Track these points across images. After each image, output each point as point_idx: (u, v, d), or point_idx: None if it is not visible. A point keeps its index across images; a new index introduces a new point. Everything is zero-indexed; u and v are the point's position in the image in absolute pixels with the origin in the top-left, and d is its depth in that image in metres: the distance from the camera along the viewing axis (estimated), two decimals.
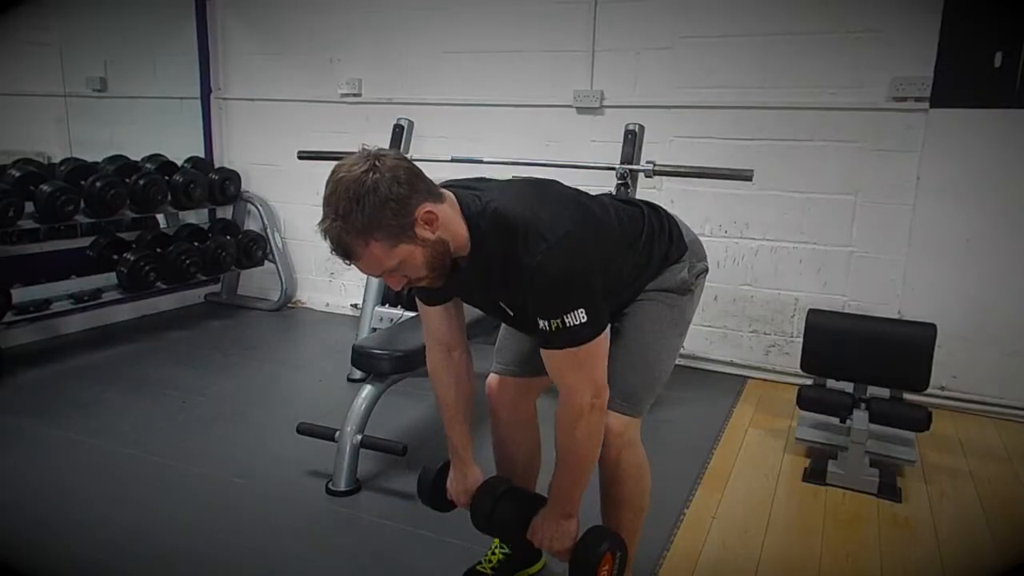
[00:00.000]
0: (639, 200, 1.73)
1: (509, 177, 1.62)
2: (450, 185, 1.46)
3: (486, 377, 1.79)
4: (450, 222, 1.36)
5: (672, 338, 1.63)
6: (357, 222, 1.25)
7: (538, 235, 1.33)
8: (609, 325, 1.45)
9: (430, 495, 1.76)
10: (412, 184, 1.29)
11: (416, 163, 1.36)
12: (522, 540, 1.60)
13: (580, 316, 1.33)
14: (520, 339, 1.72)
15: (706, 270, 1.70)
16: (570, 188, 1.53)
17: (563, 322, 1.33)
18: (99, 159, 3.89)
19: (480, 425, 2.85)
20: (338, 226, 1.26)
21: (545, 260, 1.32)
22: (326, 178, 1.30)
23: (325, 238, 1.29)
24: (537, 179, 1.58)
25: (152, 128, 4.42)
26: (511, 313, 1.52)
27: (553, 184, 1.54)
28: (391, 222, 1.27)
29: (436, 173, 1.46)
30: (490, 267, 1.40)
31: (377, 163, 1.27)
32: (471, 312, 2.88)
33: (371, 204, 1.24)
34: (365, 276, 3.49)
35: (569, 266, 1.33)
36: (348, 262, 1.32)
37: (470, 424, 1.72)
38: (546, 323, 1.35)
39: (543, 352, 1.41)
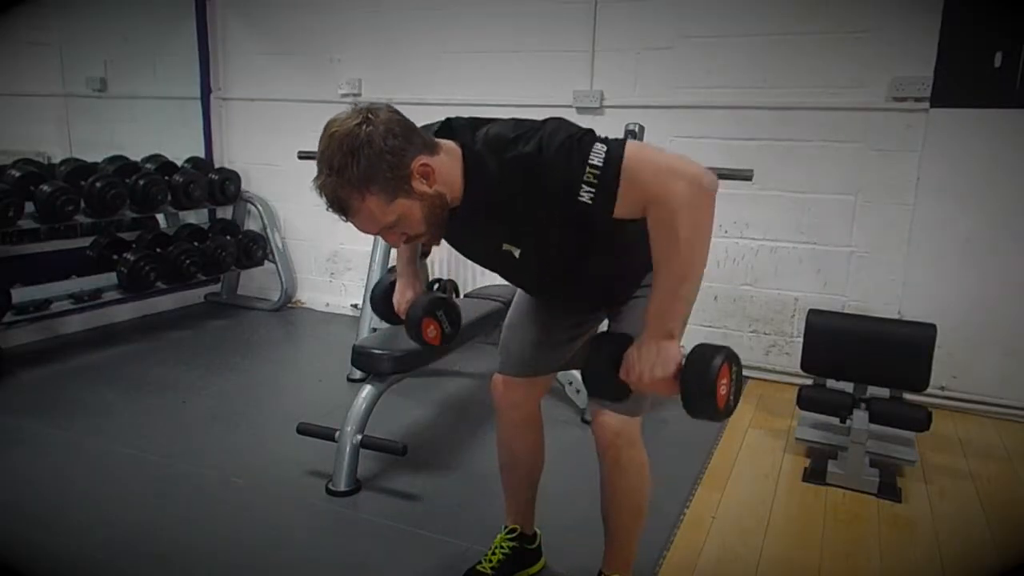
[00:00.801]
0: None
1: None
2: (445, 123, 1.42)
3: (485, 377, 1.79)
4: (447, 173, 1.32)
5: None
6: (352, 176, 1.23)
7: (529, 132, 1.29)
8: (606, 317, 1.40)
9: (380, 304, 1.86)
10: (407, 136, 1.27)
11: None
12: (616, 382, 1.36)
13: (600, 149, 1.23)
14: (525, 337, 1.72)
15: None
16: None
17: (593, 167, 1.22)
18: (99, 159, 3.89)
19: (480, 425, 2.85)
20: (333, 181, 1.24)
21: (541, 138, 1.26)
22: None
23: (320, 195, 1.27)
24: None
25: (152, 128, 4.43)
26: (516, 254, 1.44)
27: None
28: (387, 175, 1.24)
29: None
30: (491, 199, 1.34)
31: (370, 116, 1.25)
32: (472, 312, 2.89)
33: (366, 157, 1.22)
34: (365, 276, 3.50)
35: (563, 129, 1.28)
36: (344, 218, 1.29)
37: (416, 256, 1.78)
38: (585, 189, 1.23)
39: (617, 214, 1.26)
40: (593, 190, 1.23)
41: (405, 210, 1.29)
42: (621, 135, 2.87)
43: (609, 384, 1.38)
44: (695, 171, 1.23)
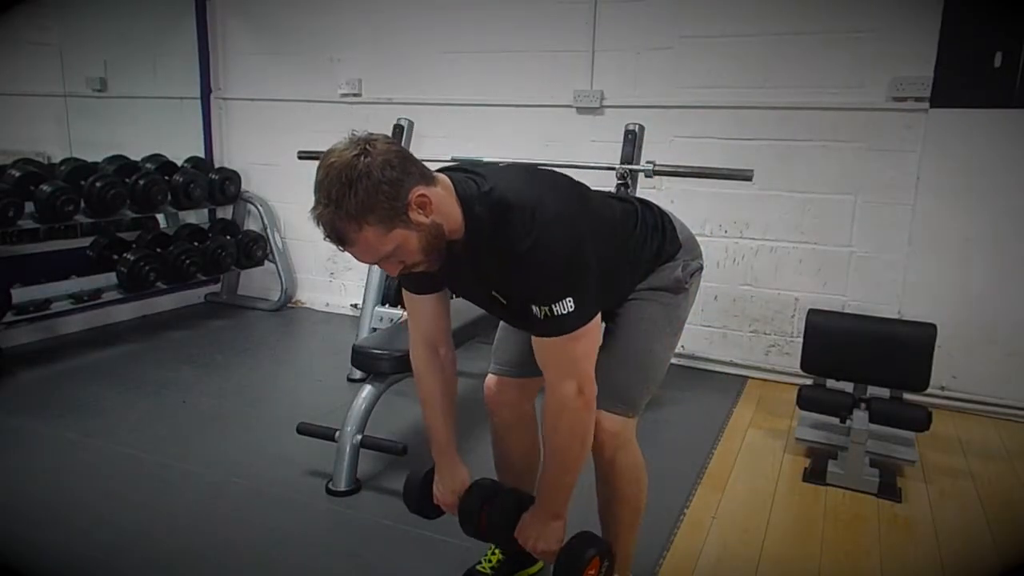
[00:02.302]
0: (632, 196, 1.72)
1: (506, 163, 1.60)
2: (445, 170, 1.44)
3: (484, 377, 1.79)
4: (443, 205, 1.34)
5: (666, 337, 1.62)
6: (350, 207, 1.23)
7: (532, 216, 1.31)
8: (601, 322, 1.43)
9: (417, 501, 1.71)
10: (404, 167, 1.28)
11: None
12: (512, 541, 1.58)
13: (568, 305, 1.33)
14: (518, 338, 1.71)
15: (701, 268, 1.68)
16: (567, 176, 1.51)
17: (551, 310, 1.33)
18: (99, 159, 3.89)
19: (480, 425, 2.85)
20: (331, 212, 1.25)
21: (538, 245, 1.30)
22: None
23: (318, 224, 1.27)
24: (534, 166, 1.57)
25: (152, 128, 4.42)
26: (504, 303, 1.49)
27: (551, 171, 1.53)
28: (384, 206, 1.25)
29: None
30: (484, 252, 1.38)
31: (368, 147, 1.25)
32: (471, 312, 2.88)
33: (364, 188, 1.23)
34: (365, 276, 3.49)
35: (562, 249, 1.32)
36: (342, 248, 1.30)
37: (455, 423, 1.69)
38: (537, 308, 1.35)
39: (534, 341, 1.42)
40: (540, 317, 1.36)
41: (403, 240, 1.30)
42: (621, 135, 2.88)
43: (506, 538, 1.60)
44: (588, 383, 1.41)
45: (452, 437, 1.69)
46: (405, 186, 1.27)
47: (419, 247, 1.33)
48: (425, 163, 1.36)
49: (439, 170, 1.43)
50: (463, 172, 1.43)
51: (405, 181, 1.27)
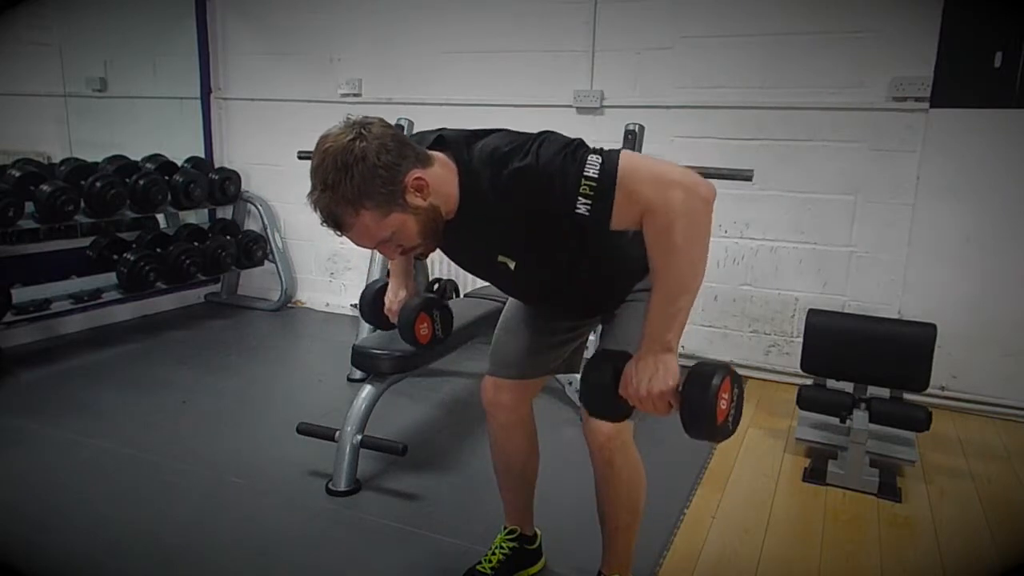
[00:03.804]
0: None
1: None
2: (436, 140, 1.41)
3: (482, 378, 1.79)
4: (441, 185, 1.32)
5: None
6: (347, 192, 1.23)
7: (525, 145, 1.29)
8: (601, 321, 1.40)
9: (370, 309, 1.85)
10: (400, 151, 1.27)
11: None
12: (614, 399, 1.33)
13: (595, 160, 1.23)
14: (516, 340, 1.71)
15: None
16: None
17: (589, 179, 1.21)
18: (99, 159, 3.89)
19: (480, 425, 2.85)
20: (327, 197, 1.24)
21: (538, 151, 1.26)
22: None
23: (315, 209, 1.27)
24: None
25: (152, 128, 4.42)
26: (511, 266, 1.45)
27: None
28: (381, 190, 1.24)
29: None
30: (486, 213, 1.35)
31: (363, 131, 1.24)
32: (471, 312, 2.89)
33: (360, 173, 1.22)
34: (365, 276, 3.50)
35: (558, 141, 1.28)
36: (339, 233, 1.30)
37: (411, 266, 1.81)
38: (581, 201, 1.22)
39: (614, 225, 1.25)
40: (590, 202, 1.22)
41: (400, 224, 1.29)
42: (621, 135, 2.88)
43: (609, 402, 1.34)
44: (692, 180, 1.22)
45: (409, 261, 1.79)
46: (401, 170, 1.26)
47: (417, 230, 1.32)
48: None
49: (432, 133, 1.42)
50: (451, 136, 1.41)
51: (401, 165, 1.26)
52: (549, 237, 1.37)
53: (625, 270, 1.57)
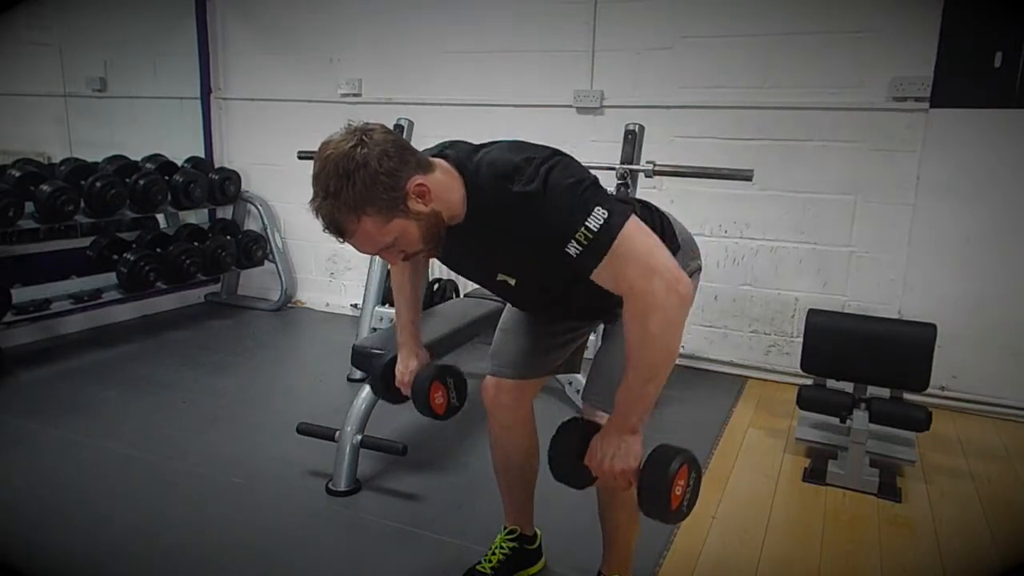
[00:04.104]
0: (632, 198, 1.72)
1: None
2: (442, 147, 1.42)
3: (482, 378, 1.79)
4: (443, 191, 1.32)
5: None
6: (348, 198, 1.23)
7: (534, 165, 1.29)
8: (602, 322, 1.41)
9: (380, 384, 1.78)
10: (402, 157, 1.27)
11: None
12: (579, 468, 1.40)
13: (601, 214, 1.24)
14: (517, 340, 1.72)
15: (700, 269, 1.68)
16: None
17: (588, 230, 1.24)
18: (99, 159, 3.89)
19: (480, 425, 2.85)
20: (329, 204, 1.24)
21: (549, 178, 1.27)
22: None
23: (316, 216, 1.27)
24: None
25: (152, 128, 4.43)
26: (512, 283, 1.47)
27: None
28: (383, 196, 1.25)
29: None
30: (492, 226, 1.35)
31: (365, 137, 1.25)
32: (471, 312, 2.88)
33: (362, 179, 1.22)
34: (365, 276, 3.50)
35: (573, 175, 1.29)
36: (342, 240, 1.30)
37: (418, 309, 1.76)
38: (574, 245, 1.25)
39: (594, 278, 1.29)
40: (581, 249, 1.25)
41: (402, 230, 1.29)
42: (621, 135, 2.88)
43: (574, 470, 1.42)
44: (674, 275, 1.26)
45: (416, 323, 1.75)
46: (403, 176, 1.26)
47: (419, 236, 1.32)
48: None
49: (434, 147, 1.42)
50: (456, 147, 1.41)
51: (403, 171, 1.26)
52: (547, 260, 1.36)
53: None
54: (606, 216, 1.24)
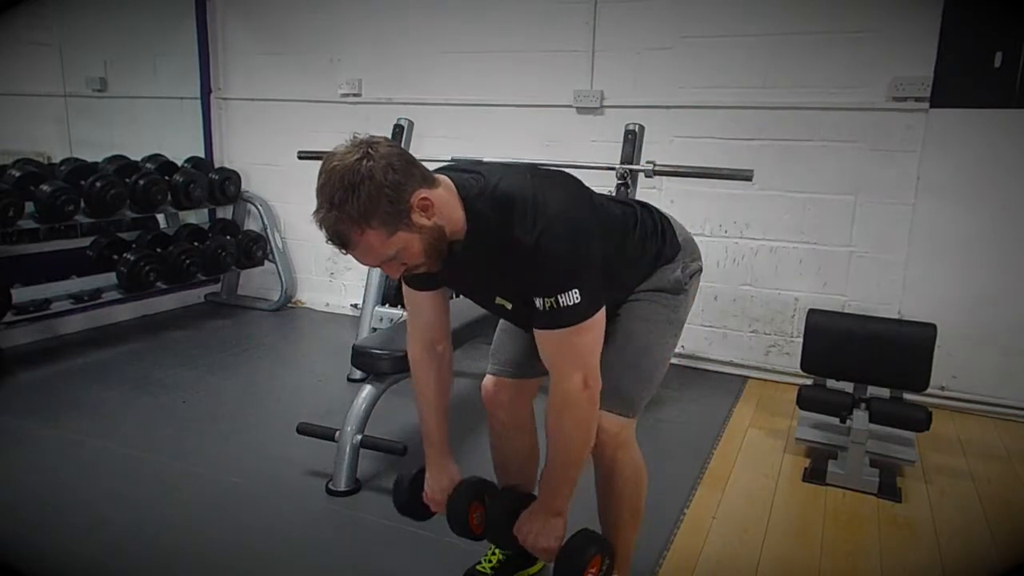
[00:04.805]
0: (632, 200, 1.73)
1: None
2: (448, 169, 1.45)
3: (482, 378, 1.79)
4: (445, 207, 1.34)
5: (666, 338, 1.62)
6: (352, 211, 1.24)
7: (537, 212, 1.32)
8: (604, 313, 1.43)
9: (407, 501, 1.67)
10: (406, 171, 1.28)
11: None
12: (511, 538, 1.56)
13: (574, 296, 1.33)
14: (517, 339, 1.72)
15: (700, 270, 1.69)
16: (570, 175, 1.52)
17: (557, 301, 1.33)
18: (99, 159, 3.89)
19: (480, 425, 2.85)
20: (333, 216, 1.25)
21: (544, 236, 1.31)
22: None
23: (320, 228, 1.28)
24: (536, 165, 1.58)
25: (152, 128, 4.43)
26: (508, 307, 1.51)
27: (554, 170, 1.54)
28: (387, 209, 1.25)
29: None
30: (487, 252, 1.38)
31: (370, 151, 1.26)
32: (471, 312, 2.88)
33: (366, 192, 1.23)
34: (365, 276, 3.50)
35: (567, 243, 1.33)
36: (344, 251, 1.31)
37: (447, 420, 1.69)
38: (541, 301, 1.34)
39: (536, 333, 1.40)
40: (543, 309, 1.35)
41: (405, 243, 1.31)
42: (621, 135, 2.88)
43: (505, 535, 1.57)
44: (595, 376, 1.40)
45: (444, 435, 1.69)
46: (407, 189, 1.27)
47: (421, 249, 1.33)
48: (424, 163, 1.36)
49: (437, 170, 1.43)
50: (463, 171, 1.43)
51: (407, 184, 1.27)
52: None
53: (624, 285, 1.60)
54: (577, 302, 1.33)
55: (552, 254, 1.32)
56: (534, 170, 1.50)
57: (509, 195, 1.34)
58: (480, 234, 1.37)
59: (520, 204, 1.33)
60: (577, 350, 1.38)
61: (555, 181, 1.44)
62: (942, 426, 2.87)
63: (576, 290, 1.33)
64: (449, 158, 3.21)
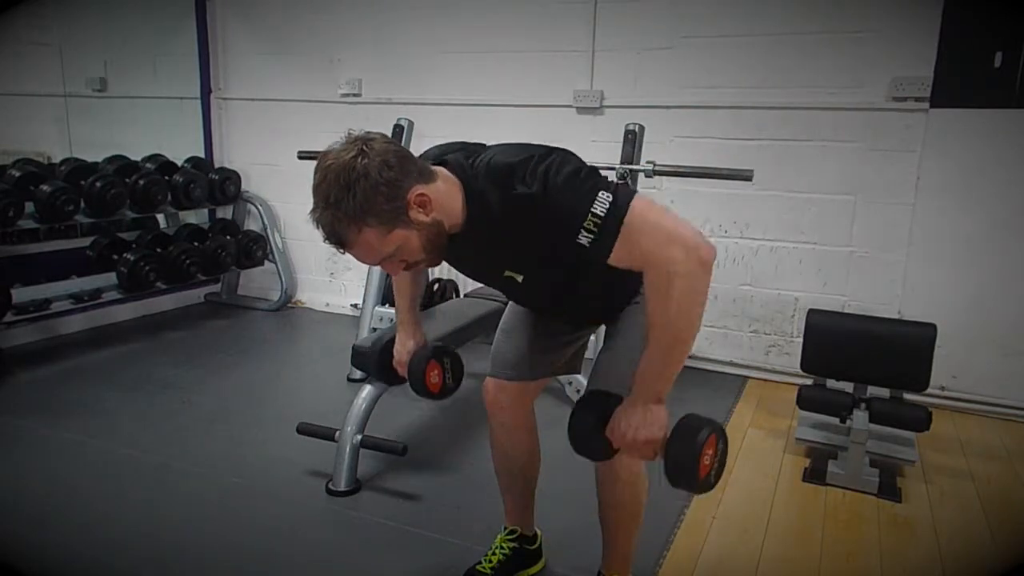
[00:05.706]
0: None
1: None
2: (445, 151, 1.42)
3: (483, 378, 1.79)
4: (444, 200, 1.32)
5: None
6: (349, 209, 1.22)
7: (532, 165, 1.28)
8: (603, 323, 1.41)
9: (378, 364, 1.81)
10: (403, 167, 1.26)
11: None
12: (599, 440, 1.38)
13: (605, 198, 1.23)
14: (517, 341, 1.72)
15: None
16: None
17: (595, 215, 1.23)
18: (99, 159, 3.89)
19: (480, 425, 2.85)
20: (330, 214, 1.24)
21: (548, 177, 1.26)
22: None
23: (317, 227, 1.27)
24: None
25: (152, 128, 4.43)
26: (519, 279, 1.47)
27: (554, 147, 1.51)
28: (384, 207, 1.24)
29: None
30: (493, 229, 1.35)
31: (366, 147, 1.24)
32: (471, 312, 2.88)
33: (362, 190, 1.21)
34: (365, 276, 3.49)
35: (573, 167, 1.28)
36: (342, 250, 1.30)
37: (417, 304, 1.80)
38: (584, 234, 1.24)
39: (613, 264, 1.27)
40: (591, 236, 1.24)
41: (403, 240, 1.29)
42: (621, 135, 2.88)
43: (595, 442, 1.39)
44: (694, 241, 1.24)
45: (415, 311, 1.79)
46: (404, 186, 1.26)
47: (420, 246, 1.32)
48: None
49: (437, 156, 1.41)
50: (454, 152, 1.41)
51: (404, 181, 1.26)
52: (555, 256, 1.37)
53: (629, 281, 1.57)
54: (611, 199, 1.24)
55: (563, 183, 1.25)
56: (523, 143, 1.46)
57: (504, 164, 1.31)
58: (484, 211, 1.33)
59: (520, 167, 1.29)
60: (652, 232, 1.24)
61: (551, 148, 1.38)
62: (942, 426, 2.87)
63: (603, 192, 1.24)
64: None
